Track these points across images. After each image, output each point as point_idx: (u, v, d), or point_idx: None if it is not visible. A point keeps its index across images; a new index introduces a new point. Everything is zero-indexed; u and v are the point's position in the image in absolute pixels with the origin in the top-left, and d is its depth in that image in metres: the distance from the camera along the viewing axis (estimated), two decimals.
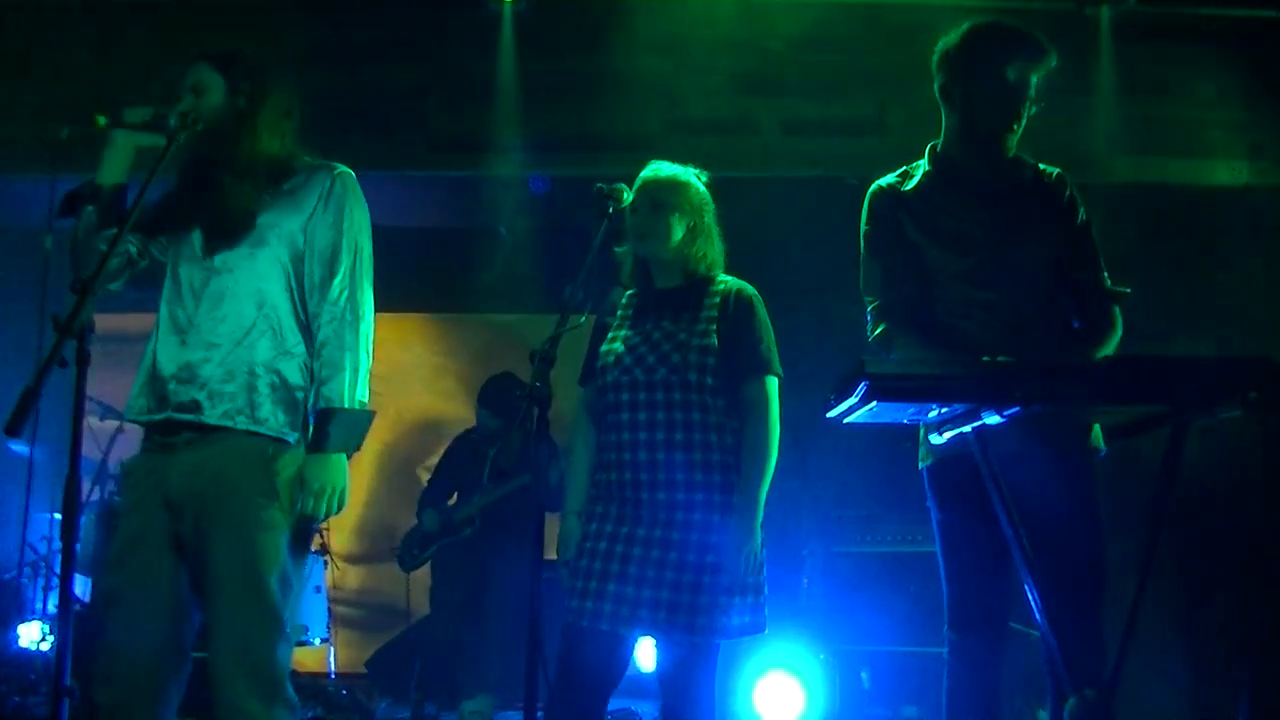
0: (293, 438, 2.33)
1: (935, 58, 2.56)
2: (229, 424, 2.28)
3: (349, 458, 2.35)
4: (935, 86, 2.57)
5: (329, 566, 5.34)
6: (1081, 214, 2.57)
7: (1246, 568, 4.15)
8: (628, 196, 2.66)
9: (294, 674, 4.99)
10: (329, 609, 5.26)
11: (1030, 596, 1.97)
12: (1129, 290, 2.54)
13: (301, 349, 2.37)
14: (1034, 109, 2.49)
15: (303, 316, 2.38)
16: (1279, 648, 3.89)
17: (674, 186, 2.71)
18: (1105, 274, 2.56)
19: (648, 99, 5.04)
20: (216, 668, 2.23)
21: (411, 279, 6.40)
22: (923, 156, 2.62)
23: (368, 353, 2.39)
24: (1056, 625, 1.97)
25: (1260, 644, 3.93)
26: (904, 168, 2.63)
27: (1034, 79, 2.46)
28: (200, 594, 2.28)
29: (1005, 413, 1.89)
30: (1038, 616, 1.97)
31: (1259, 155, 5.05)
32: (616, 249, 2.79)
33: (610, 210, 2.62)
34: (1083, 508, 2.41)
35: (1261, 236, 4.73)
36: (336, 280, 2.37)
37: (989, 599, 2.42)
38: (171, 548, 2.27)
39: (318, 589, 5.19)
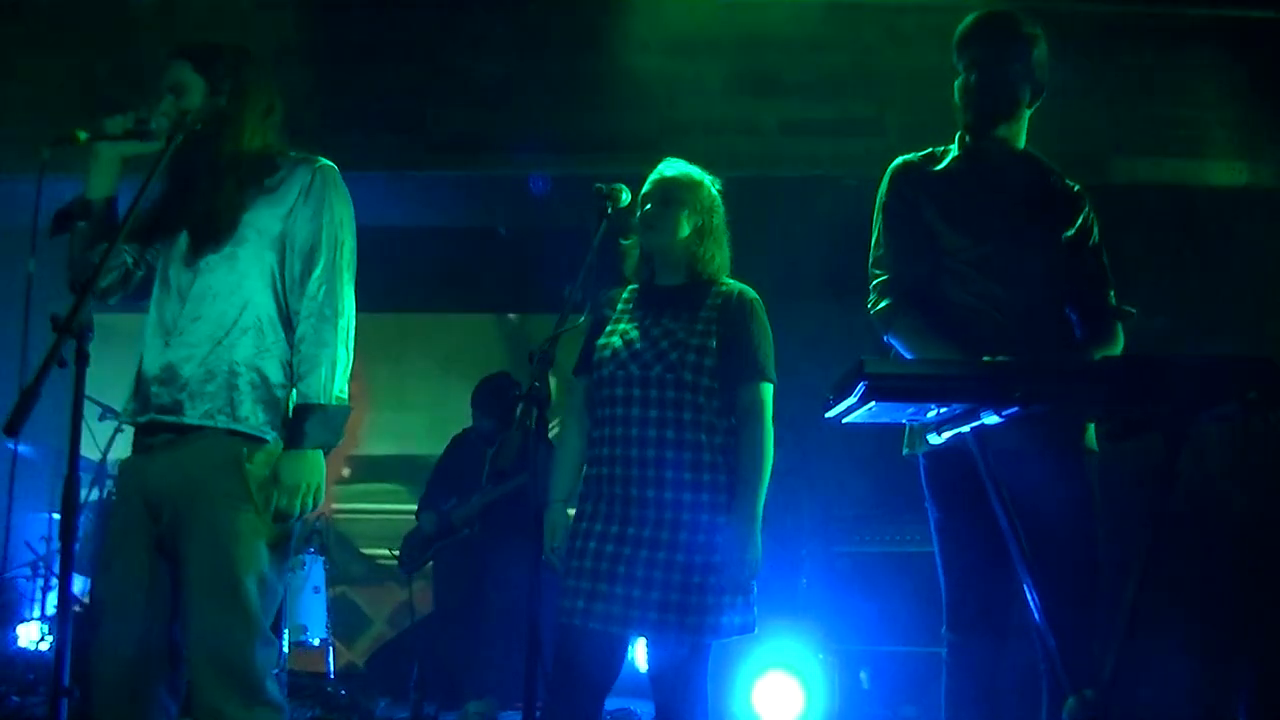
0: (270, 436, 2.32)
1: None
2: (209, 423, 2.28)
3: (326, 454, 2.34)
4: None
5: (328, 568, 5.35)
6: (1095, 235, 2.59)
7: (1247, 567, 4.15)
8: (626, 196, 2.66)
9: (293, 673, 5.01)
10: (328, 609, 5.26)
11: (1029, 596, 1.97)
12: (1134, 310, 2.55)
13: (283, 346, 2.36)
14: (1020, 83, 2.52)
15: (285, 313, 2.37)
16: (1279, 648, 3.88)
17: (686, 184, 2.73)
18: (1112, 293, 2.57)
19: (648, 99, 5.03)
20: (194, 671, 2.22)
21: (411, 279, 6.41)
22: (953, 142, 2.63)
23: (347, 348, 2.37)
24: (1054, 624, 1.97)
25: (1260, 644, 3.92)
26: (930, 149, 2.64)
27: (1003, 61, 2.49)
28: (181, 594, 2.27)
29: (1004, 413, 1.89)
30: (1036, 616, 1.97)
31: (1259, 155, 5.05)
32: (622, 241, 2.79)
33: (609, 210, 2.62)
34: (1077, 506, 2.41)
35: (1261, 237, 4.72)
36: (315, 275, 2.35)
37: (988, 599, 2.41)
38: (153, 549, 2.27)
39: (317, 589, 5.19)
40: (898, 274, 2.53)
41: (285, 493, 2.27)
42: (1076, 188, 2.61)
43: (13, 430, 1.91)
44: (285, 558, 2.37)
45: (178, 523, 2.26)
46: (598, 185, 2.65)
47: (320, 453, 2.32)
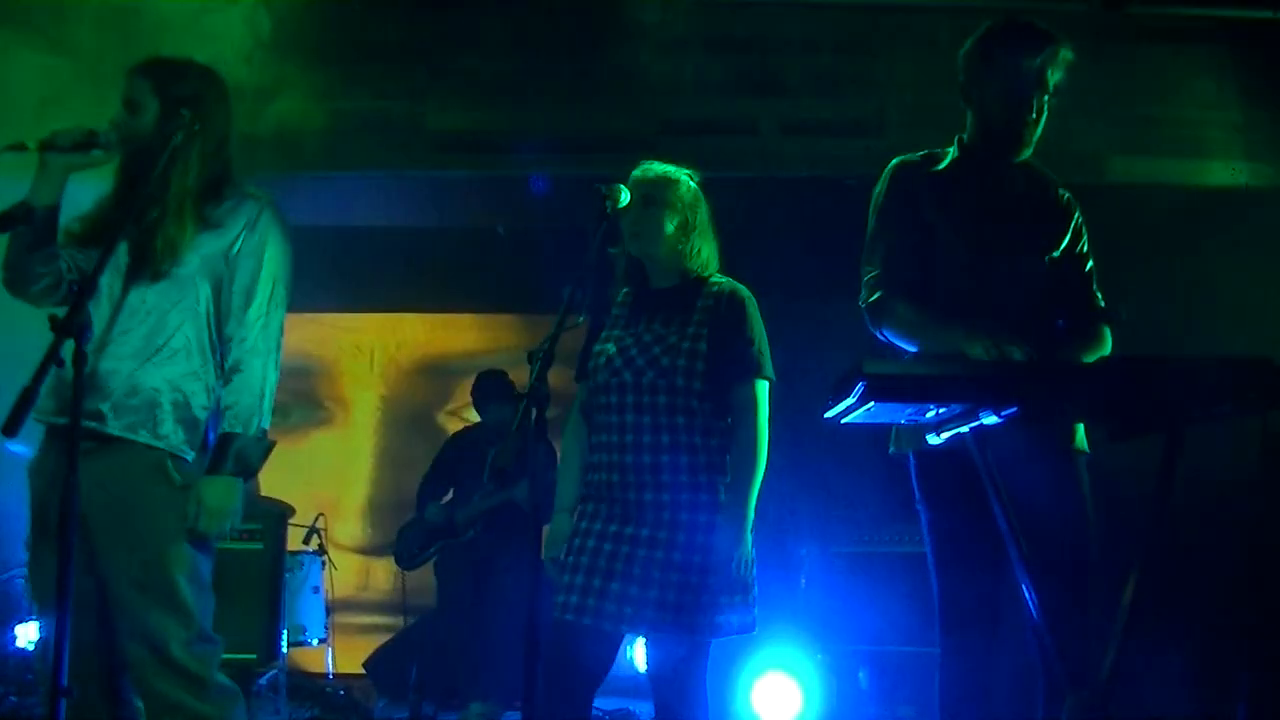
0: (190, 456, 2.37)
1: (959, 60, 2.58)
2: (130, 436, 2.32)
3: (244, 482, 2.40)
4: (959, 87, 2.58)
5: (327, 567, 5.34)
6: (1084, 243, 2.60)
7: (1246, 567, 4.15)
8: (626, 196, 2.66)
9: (292, 673, 5.00)
10: (327, 609, 5.26)
11: (1027, 596, 1.97)
12: (1123, 314, 2.55)
13: (209, 371, 2.42)
14: (1048, 103, 2.49)
15: (214, 340, 2.43)
16: (1278, 647, 3.88)
17: (663, 184, 2.73)
18: (1099, 295, 2.58)
19: (648, 99, 5.04)
20: (140, 673, 2.27)
21: (410, 279, 6.42)
22: (951, 144, 2.62)
23: (274, 383, 2.45)
24: (1052, 624, 1.97)
25: (1259, 644, 3.93)
26: (928, 150, 2.63)
27: (1049, 73, 2.47)
28: (110, 600, 2.30)
29: (1003, 413, 1.89)
30: (1034, 615, 1.97)
31: (1258, 155, 5.05)
32: (610, 249, 2.79)
33: (609, 210, 2.62)
34: (1069, 506, 2.41)
35: (1261, 236, 4.72)
36: (252, 308, 2.42)
37: (982, 598, 2.41)
38: (82, 555, 2.27)
39: (316, 589, 5.19)
40: (891, 269, 2.52)
41: (207, 515, 2.32)
42: (1067, 196, 2.62)
43: (11, 431, 1.91)
44: (210, 559, 2.41)
45: (106, 531, 2.30)
46: (597, 185, 2.65)
47: (240, 480, 2.38)
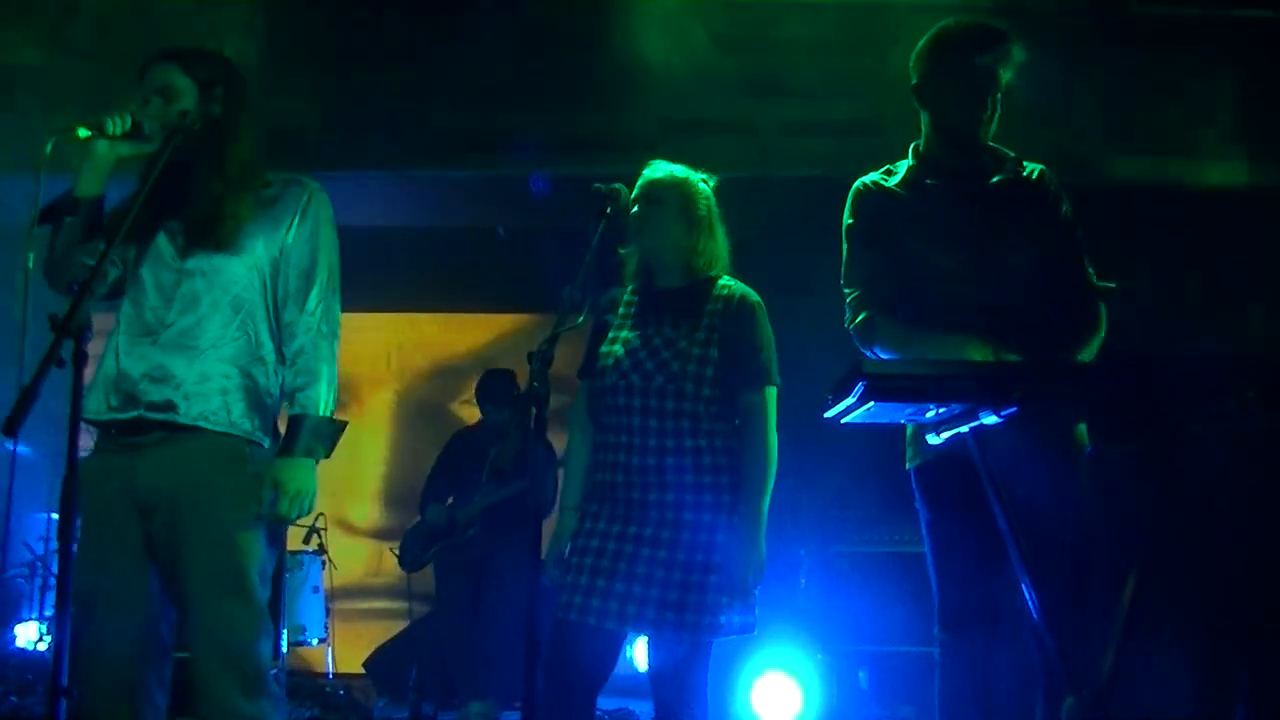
0: (265, 441, 2.36)
1: (912, 61, 2.58)
2: (204, 424, 2.29)
3: (317, 463, 2.38)
4: (911, 89, 2.59)
5: (327, 566, 5.35)
6: (1065, 209, 2.58)
7: (1246, 567, 4.15)
8: (626, 196, 2.66)
9: (291, 673, 5.01)
10: (327, 609, 5.26)
11: (1027, 596, 1.97)
12: (1115, 285, 2.55)
13: (272, 355, 2.40)
14: (1000, 101, 2.51)
15: (274, 324, 2.41)
16: (1278, 647, 3.88)
17: (669, 184, 2.73)
18: (1091, 270, 2.56)
19: (648, 99, 5.04)
20: (200, 665, 2.24)
21: (411, 279, 6.43)
22: (906, 156, 2.63)
23: (336, 367, 2.43)
24: (1052, 624, 1.97)
25: (1259, 644, 3.92)
26: (886, 166, 2.64)
27: (1000, 72, 2.48)
28: (175, 592, 2.28)
29: (1003, 413, 1.89)
30: (1034, 615, 1.97)
31: (1258, 155, 5.05)
32: (620, 249, 2.79)
33: (608, 210, 2.61)
34: (1069, 506, 2.41)
35: (1261, 236, 4.72)
36: (314, 292, 2.41)
37: (981, 598, 2.41)
38: (143, 549, 2.28)
39: (316, 589, 5.20)
40: (872, 288, 2.52)
41: (284, 497, 2.29)
42: (1037, 169, 2.61)
43: (11, 430, 1.91)
44: (280, 551, 2.42)
45: (175, 519, 2.26)
46: (597, 185, 2.65)
47: (313, 461, 2.35)
